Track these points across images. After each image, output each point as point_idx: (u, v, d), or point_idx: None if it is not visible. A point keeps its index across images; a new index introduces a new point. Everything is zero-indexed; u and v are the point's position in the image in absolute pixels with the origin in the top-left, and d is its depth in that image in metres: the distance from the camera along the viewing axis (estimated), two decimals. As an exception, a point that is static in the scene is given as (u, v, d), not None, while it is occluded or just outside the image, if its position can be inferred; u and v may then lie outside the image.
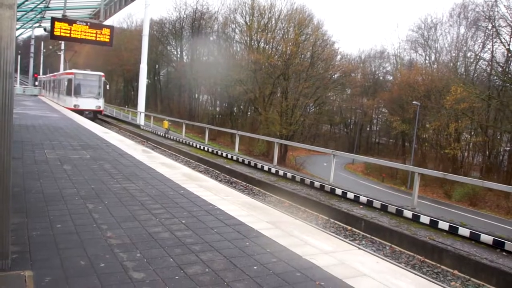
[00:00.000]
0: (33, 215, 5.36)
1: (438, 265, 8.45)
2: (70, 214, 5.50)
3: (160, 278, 3.81)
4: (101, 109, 34.41)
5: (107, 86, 35.47)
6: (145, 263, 4.11)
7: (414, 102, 43.29)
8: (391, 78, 68.09)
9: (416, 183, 11.49)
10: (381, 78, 72.86)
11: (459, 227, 9.39)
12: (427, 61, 56.60)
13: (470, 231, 9.15)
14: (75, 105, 31.80)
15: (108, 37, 15.58)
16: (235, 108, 61.52)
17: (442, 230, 9.63)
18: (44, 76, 62.18)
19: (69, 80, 32.56)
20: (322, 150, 18.86)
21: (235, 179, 15.78)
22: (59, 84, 38.77)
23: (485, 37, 44.28)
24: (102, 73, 34.28)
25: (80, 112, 30.26)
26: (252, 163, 17.43)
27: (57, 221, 5.17)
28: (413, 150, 44.50)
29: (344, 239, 7.03)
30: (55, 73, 46.75)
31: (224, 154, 20.00)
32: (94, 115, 33.48)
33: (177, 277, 3.86)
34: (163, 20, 70.70)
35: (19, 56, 65.49)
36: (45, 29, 24.38)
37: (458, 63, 48.21)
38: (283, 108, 47.20)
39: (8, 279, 3.58)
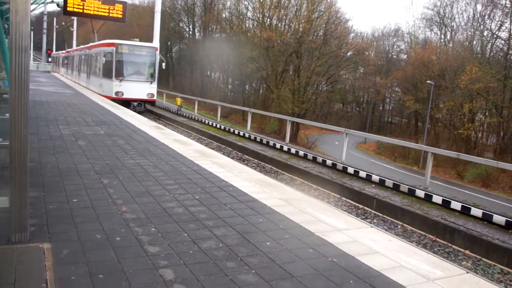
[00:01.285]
0: (49, 189, 5.44)
1: (450, 244, 8.46)
2: (85, 189, 5.57)
3: (174, 252, 3.86)
4: (154, 98, 23.44)
5: (163, 64, 23.72)
6: (160, 238, 4.17)
7: (428, 81, 42.70)
8: (405, 56, 67.11)
9: (429, 163, 11.44)
10: (394, 56, 71.84)
11: (472, 208, 9.36)
12: (442, 40, 55.61)
13: (483, 212, 9.12)
14: (117, 93, 21.79)
15: (121, 13, 15.55)
16: (247, 86, 61.24)
17: (454, 210, 9.60)
18: (62, 51, 53.16)
19: (108, 55, 22.43)
20: (334, 129, 18.79)
21: (247, 157, 15.83)
22: (89, 61, 28.44)
23: (503, 15, 43.22)
24: (156, 45, 23.49)
25: (125, 103, 20.95)
26: (264, 141, 17.44)
27: (73, 196, 5.25)
28: (426, 130, 44.10)
29: (356, 217, 7.05)
30: (81, 46, 34.97)
31: (236, 132, 20.03)
32: (144, 107, 23.52)
33: (191, 252, 3.91)
34: (176, -4, 70.14)
35: (32, 32, 65.53)
36: (58, 5, 24.46)
37: (474, 42, 47.23)
38: (295, 86, 46.86)
39: (27, 251, 3.66)
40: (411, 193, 10.71)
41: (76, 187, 5.62)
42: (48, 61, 60.42)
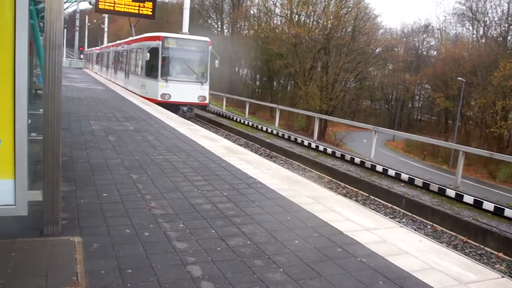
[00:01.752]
0: (80, 183, 5.53)
1: (482, 246, 8.27)
2: (115, 184, 5.65)
3: (202, 249, 3.87)
4: (206, 101, 19.75)
5: (217, 61, 19.78)
6: (188, 234, 4.19)
7: (459, 78, 41.80)
8: (435, 53, 65.86)
9: (460, 162, 11.19)
10: (424, 53, 70.50)
11: (505, 209, 9.12)
12: (474, 36, 54.26)
13: (517, 213, 8.88)
14: (163, 96, 18.47)
15: (151, 10, 15.72)
16: (274, 83, 61.15)
17: (486, 211, 9.39)
18: (96, 48, 50.96)
19: (153, 51, 18.90)
20: (362, 126, 18.62)
21: (275, 153, 15.81)
22: (128, 58, 25.11)
23: (539, 10, 41.95)
24: (208, 39, 19.86)
25: (172, 107, 17.79)
26: (292, 138, 17.40)
27: (103, 190, 5.32)
28: (456, 128, 43.24)
29: (385, 216, 6.94)
30: (119, 41, 31.73)
31: (264, 128, 20.03)
32: (190, 110, 19.37)
33: (219, 248, 3.91)
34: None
35: (65, 30, 66.91)
36: (90, 2, 24.64)
37: (509, 38, 46.02)
38: (323, 83, 46.52)
39: (59, 244, 3.73)
40: (441, 192, 10.51)
41: (106, 182, 5.70)
42: (80, 58, 61.56)
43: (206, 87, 19.32)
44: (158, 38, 18.89)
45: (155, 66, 18.99)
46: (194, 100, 19.08)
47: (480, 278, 3.80)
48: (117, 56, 29.85)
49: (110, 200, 4.97)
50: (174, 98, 18.49)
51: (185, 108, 18.64)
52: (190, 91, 18.86)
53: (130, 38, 25.28)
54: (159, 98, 18.35)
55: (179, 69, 19.14)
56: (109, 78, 32.43)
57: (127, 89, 23.76)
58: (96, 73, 42.46)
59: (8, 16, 3.44)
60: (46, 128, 3.71)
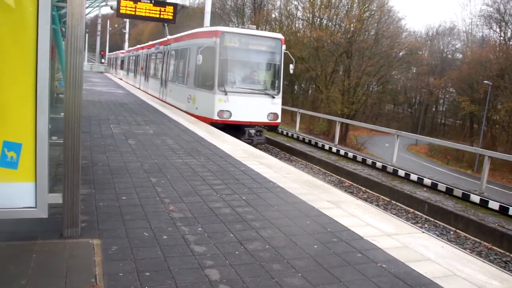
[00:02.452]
0: (100, 186, 5.58)
1: (508, 253, 8.06)
2: (134, 187, 5.68)
3: (220, 253, 3.85)
4: (278, 120, 14.79)
5: (291, 66, 15.10)
6: (206, 237, 4.17)
7: (485, 81, 41.04)
8: (461, 56, 64.89)
9: (485, 167, 10.95)
10: (449, 56, 69.48)
11: (532, 214, 8.89)
12: (501, 38, 53.26)
13: (544, 219, 8.64)
14: (221, 113, 13.81)
15: (172, 14, 15.89)
16: (296, 86, 61.03)
17: (513, 217, 9.16)
18: (121, 51, 45.61)
19: (207, 52, 13.84)
20: (385, 130, 18.40)
21: (295, 157, 15.75)
22: (166, 62, 20.06)
23: None
24: (281, 36, 15.24)
25: (233, 128, 13.67)
26: (313, 142, 17.30)
27: (122, 193, 5.35)
28: (481, 132, 42.42)
29: (406, 222, 6.83)
30: (152, 42, 25.85)
31: (284, 132, 19.97)
32: (260, 134, 14.61)
33: (237, 252, 3.89)
34: (226, -3, 70.83)
35: (86, 35, 68.05)
36: (111, 7, 24.70)
37: (537, 40, 45.06)
38: (345, 87, 46.24)
39: (78, 246, 3.76)
40: (465, 198, 10.30)
41: (126, 185, 5.74)
42: (101, 62, 62.34)
43: (279, 101, 14.48)
44: (214, 33, 13.97)
45: (210, 72, 13.99)
46: (263, 119, 14.23)
47: (506, 286, 3.69)
48: (149, 60, 24.96)
49: (129, 203, 4.99)
50: (236, 117, 13.75)
51: (252, 131, 13.94)
52: (258, 107, 14.11)
53: (169, 37, 20.35)
54: (216, 117, 13.62)
55: (244, 76, 14.41)
56: (139, 86, 27.91)
57: (164, 101, 19.15)
58: (121, 79, 38.80)
59: (31, 21, 3.49)
60: (67, 132, 3.75)
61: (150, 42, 25.99)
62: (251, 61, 14.60)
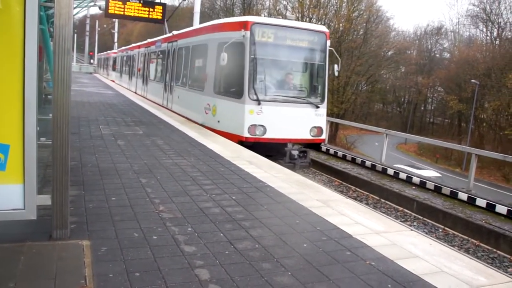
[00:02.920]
0: (89, 188, 5.56)
1: (495, 250, 8.17)
2: (124, 188, 5.67)
3: (210, 252, 3.86)
4: (323, 136, 11.67)
5: (337, 68, 12.00)
6: (196, 237, 4.18)
7: (472, 80, 41.49)
8: (448, 55, 65.52)
9: (472, 165, 11.08)
10: (437, 55, 70.13)
11: (519, 211, 9.00)
12: (488, 37, 53.89)
13: (531, 216, 8.76)
14: (252, 129, 10.75)
15: (161, 14, 15.85)
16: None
17: (499, 214, 9.28)
18: (112, 51, 42.44)
19: (234, 49, 10.82)
20: (374, 129, 18.50)
21: (285, 157, 15.76)
22: (173, 62, 16.84)
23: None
24: (325, 29, 12.17)
25: (268, 148, 10.63)
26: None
27: (112, 194, 5.34)
28: (469, 131, 42.86)
29: (395, 220, 6.88)
30: (151, 40, 21.96)
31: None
32: (304, 155, 11.36)
33: (227, 252, 3.90)
34: (215, -3, 70.74)
35: (75, 35, 67.62)
36: (100, 8, 24.37)
37: (523, 39, 45.60)
38: (334, 86, 46.45)
39: (67, 247, 3.75)
40: (453, 195, 10.42)
41: (115, 186, 5.72)
42: (90, 63, 61.91)
43: (323, 111, 11.48)
44: (242, 25, 10.89)
45: (237, 75, 11.03)
46: (305, 134, 11.23)
47: (492, 282, 3.74)
48: (148, 60, 21.99)
49: (118, 204, 4.99)
50: (271, 133, 10.81)
51: (295, 152, 10.98)
52: (299, 120, 11.15)
53: (175, 32, 17.39)
54: (246, 134, 10.65)
55: (281, 81, 11.46)
56: (135, 90, 25.11)
57: (170, 109, 16.45)
58: (113, 81, 36.11)
59: (18, 22, 3.48)
60: (55, 133, 3.74)
61: (149, 40, 22.47)
62: (290, 61, 11.56)
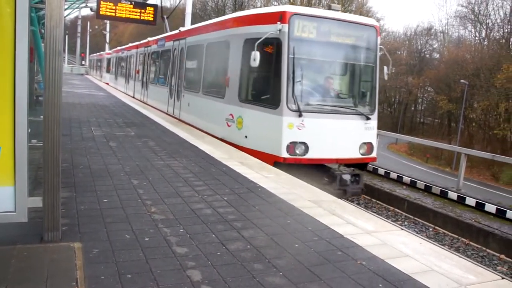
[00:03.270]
0: (81, 189, 5.54)
1: (484, 248, 8.26)
2: (116, 189, 5.66)
3: (202, 254, 3.87)
4: (373, 155, 9.62)
5: (386, 70, 10.24)
6: (188, 239, 4.19)
7: (461, 80, 41.83)
8: (438, 56, 66.01)
9: (462, 164, 11.18)
10: (427, 56, 70.57)
11: (507, 210, 9.12)
12: (476, 38, 54.38)
13: (519, 215, 8.86)
14: (293, 147, 8.65)
15: (152, 15, 15.79)
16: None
17: (488, 213, 9.38)
18: (107, 52, 40.03)
19: (267, 46, 9.14)
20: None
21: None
22: (182, 62, 14.41)
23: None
24: (375, 22, 10.25)
25: (310, 169, 8.78)
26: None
27: (103, 196, 5.33)
28: (459, 131, 43.18)
29: (386, 220, 6.93)
30: (153, 38, 19.37)
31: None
32: (357, 179, 9.39)
33: (219, 253, 3.92)
34: (206, -1, 70.69)
35: (66, 36, 67.24)
36: (91, 9, 24.10)
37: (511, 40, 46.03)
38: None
39: (59, 250, 3.74)
40: (443, 195, 10.50)
41: (107, 188, 5.71)
42: (82, 64, 61.57)
43: (374, 123, 9.63)
44: (278, 16, 8.85)
45: (271, 80, 9.19)
46: (354, 152, 9.32)
47: (481, 280, 3.79)
48: (148, 61, 20.00)
49: (110, 206, 4.98)
50: (315, 152, 8.87)
51: (347, 177, 9.16)
52: (347, 135, 9.25)
53: (182, 29, 15.48)
54: (284, 153, 8.69)
55: (325, 87, 9.53)
56: (132, 95, 23.03)
57: (177, 118, 14.18)
58: (107, 83, 34.09)
59: (9, 23, 3.46)
60: (46, 135, 3.73)
61: (150, 38, 20.28)
62: (336, 61, 9.69)
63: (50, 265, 3.46)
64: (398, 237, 4.74)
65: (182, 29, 15.36)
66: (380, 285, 3.55)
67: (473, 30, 55.27)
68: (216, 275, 3.48)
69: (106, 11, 15.11)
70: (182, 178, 6.53)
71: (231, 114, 10.07)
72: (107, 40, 54.83)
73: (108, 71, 35.99)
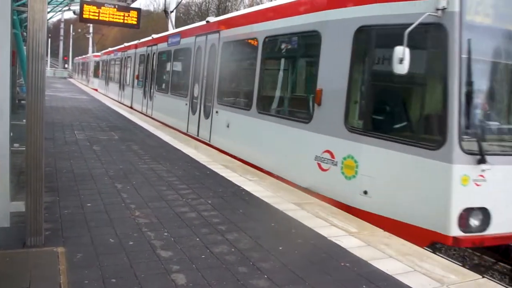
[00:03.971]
0: (64, 194, 5.50)
1: (465, 248, 8.34)
2: (99, 194, 5.63)
3: (187, 257, 3.87)
4: None
5: None
6: (172, 242, 4.19)
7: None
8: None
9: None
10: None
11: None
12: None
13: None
14: (464, 217, 4.79)
15: (136, 19, 15.66)
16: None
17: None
18: (95, 54, 36.39)
19: (417, 38, 4.93)
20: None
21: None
22: (207, 66, 10.81)
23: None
24: None
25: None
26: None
27: (87, 200, 5.30)
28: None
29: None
30: (159, 35, 16.67)
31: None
32: None
33: (203, 256, 3.92)
34: (189, 3, 70.57)
35: (49, 39, 66.48)
36: (74, 12, 23.72)
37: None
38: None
39: (42, 255, 3.71)
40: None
41: (91, 192, 5.68)
42: (64, 68, 60.96)
43: None
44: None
45: (427, 97, 5.63)
46: None
47: (461, 279, 3.85)
48: (150, 65, 16.77)
49: (94, 210, 4.95)
50: (503, 226, 5.15)
51: None
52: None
53: (213, 19, 11.73)
54: (454, 229, 4.86)
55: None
56: (130, 104, 19.72)
57: (208, 143, 10.45)
58: (95, 90, 31.05)
59: (-10, 27, 3.45)
60: (29, 138, 3.71)
61: (155, 36, 16.99)
62: None
63: (33, 270, 3.43)
64: (381, 238, 4.80)
65: (210, 20, 11.73)
66: (364, 286, 3.59)
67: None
68: (201, 279, 3.49)
69: (89, 15, 14.96)
70: (166, 182, 6.52)
71: (328, 151, 6.36)
72: (93, 42, 54.31)
73: (96, 75, 32.49)
